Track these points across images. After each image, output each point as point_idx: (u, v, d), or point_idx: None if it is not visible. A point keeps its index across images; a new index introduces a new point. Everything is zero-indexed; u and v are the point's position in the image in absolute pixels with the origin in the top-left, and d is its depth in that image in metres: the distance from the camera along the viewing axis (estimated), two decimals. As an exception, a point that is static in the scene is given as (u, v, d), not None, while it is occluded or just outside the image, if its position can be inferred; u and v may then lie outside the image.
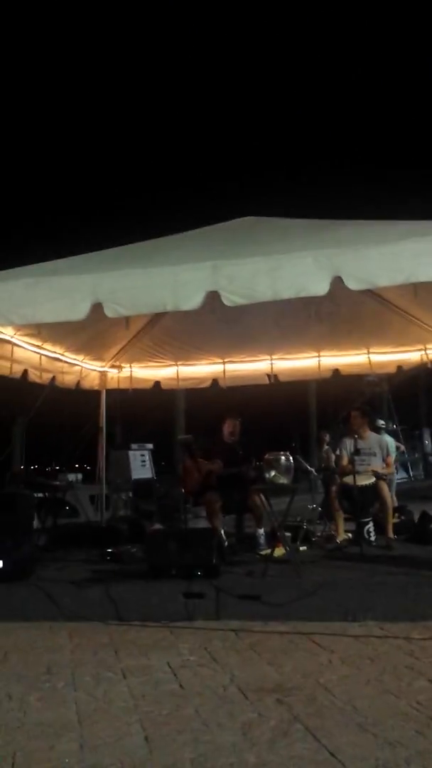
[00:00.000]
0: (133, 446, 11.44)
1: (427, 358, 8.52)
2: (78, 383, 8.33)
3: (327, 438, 9.44)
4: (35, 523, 7.24)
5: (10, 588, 5.49)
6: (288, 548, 5.88)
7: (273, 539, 6.22)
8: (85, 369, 8.46)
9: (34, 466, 13.35)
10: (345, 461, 6.99)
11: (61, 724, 3.14)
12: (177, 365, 9.16)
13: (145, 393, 9.52)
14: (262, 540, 6.70)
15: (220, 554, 5.66)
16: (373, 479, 6.71)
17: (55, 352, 7.52)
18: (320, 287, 4.61)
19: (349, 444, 6.92)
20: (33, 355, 7.18)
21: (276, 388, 9.53)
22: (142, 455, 11.35)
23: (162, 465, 14.45)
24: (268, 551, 6.01)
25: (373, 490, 6.66)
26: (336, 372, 9.06)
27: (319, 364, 8.95)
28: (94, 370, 8.75)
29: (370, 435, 7.20)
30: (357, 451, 6.68)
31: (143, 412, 13.85)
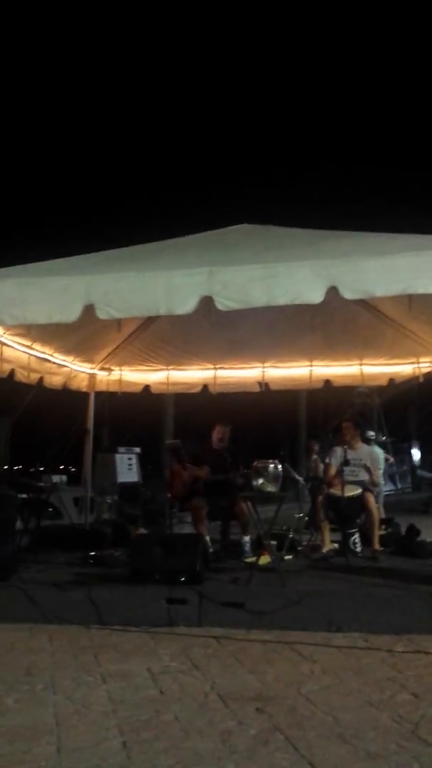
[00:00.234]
0: (120, 449, 11.39)
1: (419, 371, 8.54)
2: (65, 384, 8.27)
3: (316, 447, 9.44)
4: (18, 524, 7.17)
5: (-9, 588, 5.43)
6: (273, 557, 5.85)
7: (258, 547, 6.20)
8: (74, 370, 8.41)
9: (18, 467, 13.28)
10: (332, 471, 6.98)
11: (38, 727, 3.09)
12: (168, 370, 9.14)
13: (135, 396, 9.48)
14: (247, 547, 6.67)
15: (205, 560, 5.63)
16: (360, 490, 6.70)
17: (44, 353, 7.47)
18: (315, 295, 4.61)
19: (339, 454, 6.91)
20: (21, 354, 7.13)
21: (266, 396, 9.52)
22: (129, 459, 11.29)
23: (149, 469, 14.40)
24: (254, 559, 5.98)
25: (360, 502, 6.65)
26: (327, 383, 9.05)
27: (310, 373, 8.94)
28: (84, 371, 8.71)
29: (362, 446, 7.19)
30: (347, 462, 6.66)
31: (132, 416, 13.80)
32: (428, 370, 8.36)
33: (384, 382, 9.10)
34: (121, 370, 9.06)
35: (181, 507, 7.41)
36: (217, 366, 9.02)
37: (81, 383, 8.76)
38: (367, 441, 8.56)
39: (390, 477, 17.03)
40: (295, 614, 4.71)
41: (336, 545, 6.86)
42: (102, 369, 8.92)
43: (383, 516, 7.90)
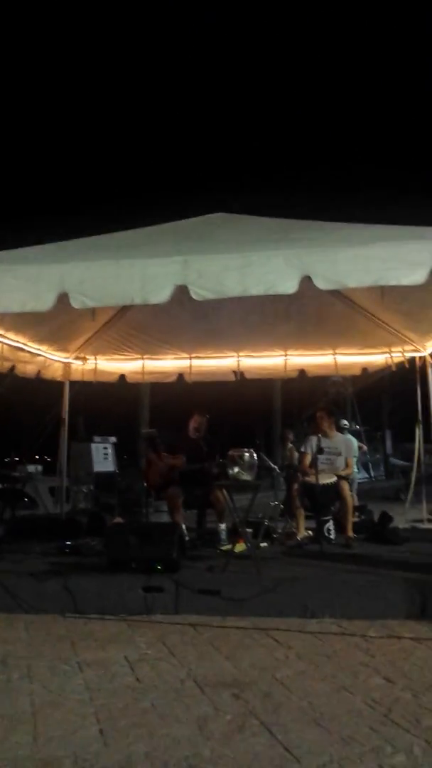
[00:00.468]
0: (96, 439, 11.38)
1: (392, 361, 8.63)
2: (38, 373, 8.20)
3: (291, 436, 9.50)
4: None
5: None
6: (249, 544, 5.89)
7: (234, 535, 6.23)
8: (48, 359, 8.35)
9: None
10: (307, 460, 7.03)
11: (15, 715, 3.10)
12: (143, 359, 9.11)
13: (110, 386, 9.44)
14: (223, 535, 6.71)
15: (181, 549, 5.65)
16: (335, 478, 6.77)
17: (17, 342, 7.40)
18: (289, 285, 4.62)
19: (314, 442, 6.96)
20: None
21: (241, 385, 9.55)
22: (105, 448, 11.30)
23: (125, 458, 14.39)
24: (229, 547, 6.02)
25: (335, 489, 6.72)
26: (302, 372, 9.11)
27: (285, 363, 8.99)
28: (58, 360, 8.65)
29: (336, 435, 7.26)
30: (320, 450, 6.72)
31: (107, 405, 13.75)
32: (400, 359, 8.45)
33: (357, 371, 9.19)
34: (96, 359, 9.02)
35: (157, 496, 7.42)
36: (192, 355, 9.02)
37: (55, 372, 8.70)
38: (341, 429, 8.64)
39: (363, 465, 17.18)
40: (270, 601, 4.76)
41: (310, 532, 6.94)
42: (77, 358, 8.87)
43: (357, 503, 7.99)
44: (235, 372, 9.04)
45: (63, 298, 4.81)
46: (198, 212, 6.77)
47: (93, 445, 11.13)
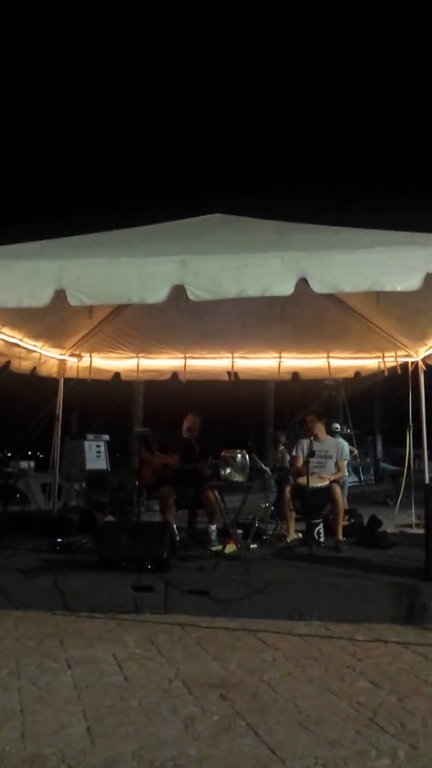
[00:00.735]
0: (89, 436, 11.39)
1: (384, 365, 8.67)
2: (34, 369, 8.20)
3: (283, 438, 9.53)
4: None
5: None
6: (239, 545, 5.91)
7: (225, 536, 6.25)
8: (44, 356, 8.34)
9: (-16, 452, 13.15)
10: (299, 462, 7.06)
11: (2, 712, 3.12)
12: (138, 357, 9.11)
13: (104, 384, 9.44)
14: (213, 536, 6.73)
15: (172, 548, 5.66)
16: (327, 481, 6.80)
17: (13, 337, 7.39)
18: (285, 288, 4.65)
19: (305, 445, 6.99)
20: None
21: (235, 387, 9.57)
22: (98, 446, 11.31)
23: (117, 457, 14.39)
24: (219, 547, 6.04)
25: (326, 492, 6.75)
26: (295, 375, 9.14)
27: (279, 365, 9.01)
28: (53, 357, 8.64)
29: (327, 438, 7.29)
30: (312, 453, 6.75)
31: (101, 403, 13.75)
32: (393, 364, 8.49)
33: (350, 374, 9.23)
34: (91, 356, 9.01)
35: (149, 495, 7.43)
36: (187, 355, 9.03)
37: (51, 369, 8.69)
38: (332, 433, 8.68)
39: (353, 469, 17.26)
40: (259, 603, 4.79)
41: (300, 535, 6.96)
42: (72, 355, 8.87)
43: (347, 507, 8.02)
44: (229, 372, 9.06)
45: (60, 295, 4.82)
46: (196, 212, 6.79)
47: (86, 443, 11.14)
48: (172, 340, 8.73)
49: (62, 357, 8.77)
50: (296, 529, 7.02)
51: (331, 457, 7.08)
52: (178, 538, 6.50)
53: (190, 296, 4.73)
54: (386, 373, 8.72)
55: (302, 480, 6.75)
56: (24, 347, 7.71)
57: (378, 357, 8.67)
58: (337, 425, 11.50)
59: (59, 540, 6.48)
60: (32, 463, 10.93)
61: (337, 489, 6.85)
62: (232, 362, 9.01)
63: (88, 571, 5.40)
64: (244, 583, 5.05)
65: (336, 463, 7.09)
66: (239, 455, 5.93)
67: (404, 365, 8.36)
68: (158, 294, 4.75)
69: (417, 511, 8.54)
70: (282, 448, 9.24)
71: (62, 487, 10.26)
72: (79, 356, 8.93)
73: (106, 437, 11.66)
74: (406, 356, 8.29)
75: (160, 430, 8.33)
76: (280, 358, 8.97)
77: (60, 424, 9.04)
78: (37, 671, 3.65)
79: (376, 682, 3.51)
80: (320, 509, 6.92)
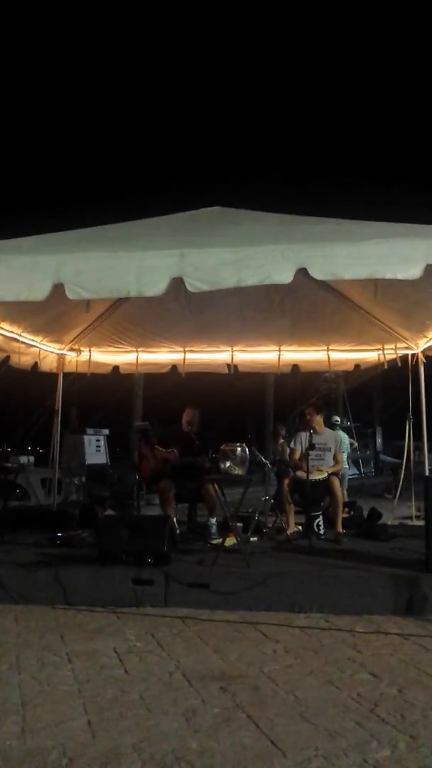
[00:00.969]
0: (89, 431, 11.39)
1: (384, 358, 8.66)
2: (35, 365, 8.20)
3: (283, 431, 9.53)
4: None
5: None
6: (239, 538, 5.91)
7: (225, 529, 6.26)
8: (43, 351, 8.33)
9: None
10: (296, 455, 7.07)
11: (3, 706, 3.12)
12: (137, 351, 9.11)
13: (104, 378, 9.44)
14: (213, 529, 6.73)
15: (172, 542, 5.67)
16: (326, 474, 6.80)
17: (12, 332, 7.38)
18: (285, 276, 4.64)
19: (304, 438, 6.99)
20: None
21: (235, 380, 9.55)
22: (98, 440, 11.32)
23: (117, 451, 14.40)
24: (219, 540, 6.04)
25: (325, 485, 6.75)
26: (295, 367, 9.13)
27: (279, 358, 9.00)
28: (53, 352, 8.63)
29: (326, 430, 7.28)
30: (312, 446, 6.75)
31: (100, 398, 13.75)
32: (393, 357, 8.48)
33: (350, 367, 9.22)
34: (90, 351, 9.00)
35: (149, 489, 7.43)
36: (187, 349, 9.02)
37: (51, 364, 8.69)
38: (332, 426, 8.67)
39: (353, 461, 17.27)
40: (259, 595, 4.79)
41: (300, 528, 6.97)
42: (71, 349, 8.85)
43: (346, 500, 8.03)
44: (228, 365, 9.06)
45: (58, 289, 4.81)
46: (195, 205, 6.76)
47: (86, 437, 11.15)
48: (172, 333, 8.71)
49: (61, 352, 8.76)
50: (296, 521, 7.03)
51: (330, 450, 7.08)
52: (178, 531, 6.50)
53: (189, 288, 4.72)
54: (386, 366, 8.71)
55: (300, 473, 6.76)
56: (23, 342, 7.71)
57: (378, 349, 8.66)
58: (337, 418, 11.48)
59: (59, 534, 6.48)
60: (32, 458, 10.94)
61: (336, 482, 6.85)
62: (232, 355, 9.01)
63: (89, 565, 5.41)
64: (245, 576, 5.06)
65: (335, 456, 7.09)
66: (239, 448, 5.93)
67: (404, 357, 8.36)
68: (157, 287, 4.74)
69: (417, 503, 8.55)
70: (282, 441, 9.23)
71: (62, 482, 10.27)
72: (79, 351, 8.91)
73: (106, 431, 11.67)
74: (406, 348, 8.29)
75: (159, 424, 8.32)
76: (279, 351, 8.96)
77: (59, 419, 9.04)
78: (37, 665, 3.66)
79: (376, 674, 3.52)
80: (319, 502, 6.92)
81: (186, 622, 4.45)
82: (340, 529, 6.79)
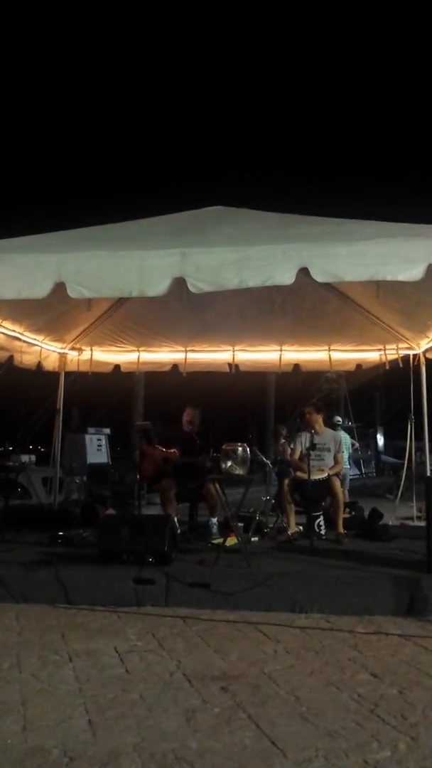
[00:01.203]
0: (90, 430, 11.39)
1: (386, 358, 8.66)
2: (39, 364, 8.21)
3: (284, 431, 9.52)
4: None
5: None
6: (240, 538, 5.91)
7: (225, 529, 6.26)
8: (45, 350, 8.34)
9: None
10: (296, 455, 7.07)
11: (4, 705, 3.12)
12: (138, 351, 9.11)
13: (105, 377, 9.44)
14: (214, 529, 6.74)
15: (173, 541, 5.67)
16: (326, 474, 6.80)
17: (14, 331, 7.39)
18: (286, 277, 4.64)
19: (304, 438, 6.99)
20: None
21: (236, 380, 9.55)
22: (99, 439, 11.32)
23: (118, 450, 14.40)
24: (220, 540, 6.04)
25: (326, 485, 6.75)
26: (296, 367, 9.13)
27: (280, 358, 9.00)
28: (54, 351, 8.64)
29: (326, 430, 7.29)
30: (313, 446, 6.75)
31: (102, 397, 13.75)
32: (394, 357, 8.48)
33: (352, 367, 9.23)
34: (91, 350, 9.01)
35: (150, 488, 7.43)
36: (188, 348, 9.02)
37: (53, 363, 8.71)
38: (333, 426, 8.67)
39: (355, 462, 17.27)
40: (259, 595, 4.79)
41: (301, 528, 6.97)
42: (73, 349, 8.86)
43: (347, 500, 8.03)
44: (229, 365, 9.06)
45: (60, 288, 4.81)
46: (197, 205, 6.76)
47: (87, 437, 11.15)
48: (173, 333, 8.71)
49: (63, 351, 8.77)
50: (297, 522, 7.03)
51: (329, 450, 7.08)
52: (179, 531, 6.50)
53: (191, 288, 4.72)
54: (387, 366, 8.71)
55: (300, 473, 6.76)
56: (25, 341, 7.72)
57: (379, 350, 8.67)
58: (339, 418, 11.49)
59: (60, 533, 6.49)
60: (33, 457, 10.93)
61: (337, 482, 6.85)
62: (233, 355, 9.01)
63: (89, 564, 5.41)
64: (245, 576, 5.06)
65: (335, 456, 7.09)
66: (240, 448, 5.93)
67: (405, 358, 8.36)
68: (158, 287, 4.74)
69: (418, 503, 8.55)
70: (283, 441, 9.23)
71: (63, 481, 10.27)
72: (80, 350, 8.93)
73: (107, 431, 11.66)
74: (408, 349, 8.29)
75: (160, 423, 8.33)
76: (281, 350, 8.97)
77: (61, 418, 9.04)
78: (38, 664, 3.66)
79: (376, 675, 3.51)
80: (320, 502, 6.92)
81: (187, 622, 4.45)
82: (341, 529, 6.79)
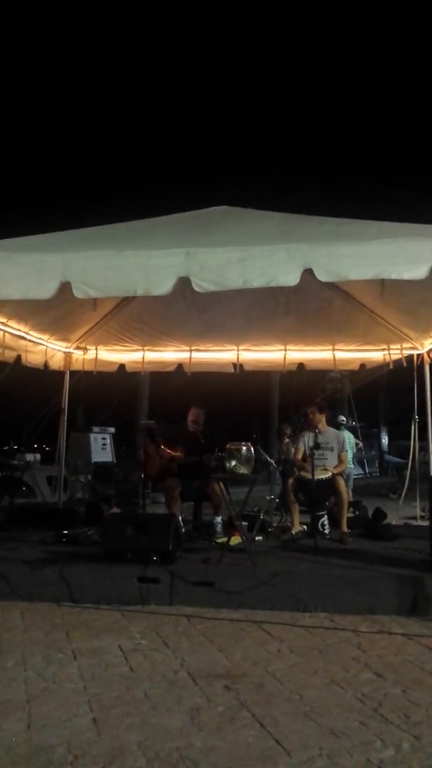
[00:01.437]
0: (95, 429, 11.42)
1: (390, 358, 8.65)
2: (45, 363, 8.23)
3: (288, 431, 9.53)
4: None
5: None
6: (244, 537, 5.93)
7: (230, 528, 6.27)
8: (50, 349, 8.36)
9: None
10: (298, 455, 7.09)
11: (9, 703, 3.14)
12: (143, 350, 9.12)
13: (110, 377, 9.45)
14: (219, 528, 6.75)
15: (177, 540, 5.68)
16: (330, 473, 6.81)
17: (19, 330, 7.41)
18: (290, 278, 4.64)
19: (308, 438, 7.00)
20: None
21: (240, 380, 9.55)
22: (104, 438, 11.35)
23: (123, 449, 14.43)
24: (225, 539, 6.06)
25: (330, 485, 6.76)
26: (301, 366, 9.13)
27: (284, 357, 9.00)
28: (59, 350, 8.66)
29: (329, 430, 7.29)
30: (317, 446, 6.76)
31: (107, 396, 13.79)
32: (398, 356, 8.48)
33: (356, 367, 9.22)
34: (96, 349, 9.03)
35: (155, 487, 7.45)
36: (193, 348, 9.03)
37: (59, 362, 8.74)
38: (337, 425, 8.67)
39: (358, 461, 17.25)
40: (263, 594, 4.80)
41: (305, 527, 6.97)
42: (78, 348, 8.88)
43: (351, 499, 8.03)
44: (234, 364, 9.06)
45: (65, 288, 4.82)
46: (201, 204, 6.77)
47: (92, 435, 11.17)
48: (178, 332, 8.72)
49: (68, 350, 8.79)
50: (301, 521, 7.04)
51: (332, 450, 7.09)
52: (183, 530, 6.53)
53: (196, 288, 4.73)
54: (391, 366, 8.71)
55: (304, 473, 6.77)
56: (31, 340, 7.74)
57: (383, 349, 8.65)
58: (343, 417, 11.48)
59: (65, 532, 6.51)
60: (38, 456, 10.96)
61: (341, 481, 6.86)
62: (238, 354, 9.01)
63: (94, 562, 5.43)
64: (249, 575, 5.07)
65: (338, 455, 7.09)
66: (244, 447, 5.95)
67: (410, 358, 8.35)
68: (163, 286, 4.75)
69: (422, 503, 8.54)
70: (287, 440, 9.23)
71: (68, 480, 10.30)
72: (85, 349, 8.95)
73: (112, 430, 11.69)
74: (412, 349, 8.28)
75: (165, 422, 8.34)
76: (285, 350, 8.97)
77: (66, 417, 9.07)
78: (43, 662, 3.67)
79: (380, 674, 3.52)
80: (324, 501, 6.92)
81: (191, 621, 4.46)
82: (344, 528, 6.79)
